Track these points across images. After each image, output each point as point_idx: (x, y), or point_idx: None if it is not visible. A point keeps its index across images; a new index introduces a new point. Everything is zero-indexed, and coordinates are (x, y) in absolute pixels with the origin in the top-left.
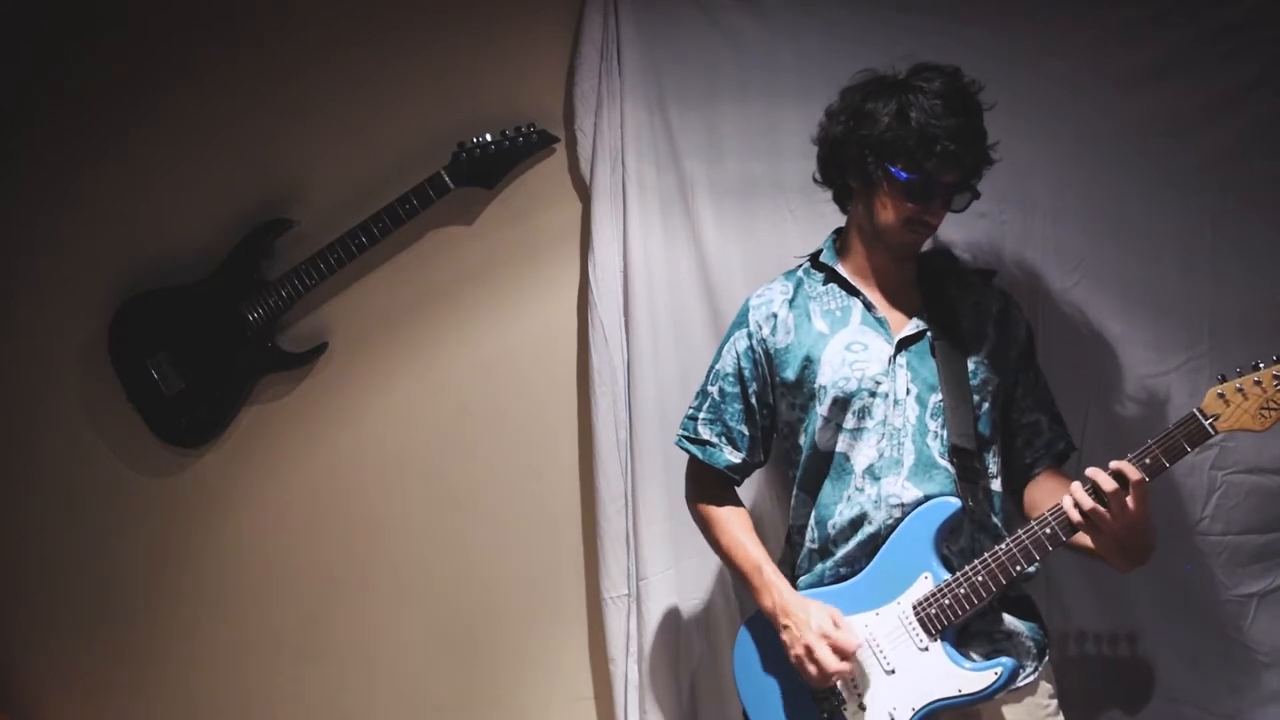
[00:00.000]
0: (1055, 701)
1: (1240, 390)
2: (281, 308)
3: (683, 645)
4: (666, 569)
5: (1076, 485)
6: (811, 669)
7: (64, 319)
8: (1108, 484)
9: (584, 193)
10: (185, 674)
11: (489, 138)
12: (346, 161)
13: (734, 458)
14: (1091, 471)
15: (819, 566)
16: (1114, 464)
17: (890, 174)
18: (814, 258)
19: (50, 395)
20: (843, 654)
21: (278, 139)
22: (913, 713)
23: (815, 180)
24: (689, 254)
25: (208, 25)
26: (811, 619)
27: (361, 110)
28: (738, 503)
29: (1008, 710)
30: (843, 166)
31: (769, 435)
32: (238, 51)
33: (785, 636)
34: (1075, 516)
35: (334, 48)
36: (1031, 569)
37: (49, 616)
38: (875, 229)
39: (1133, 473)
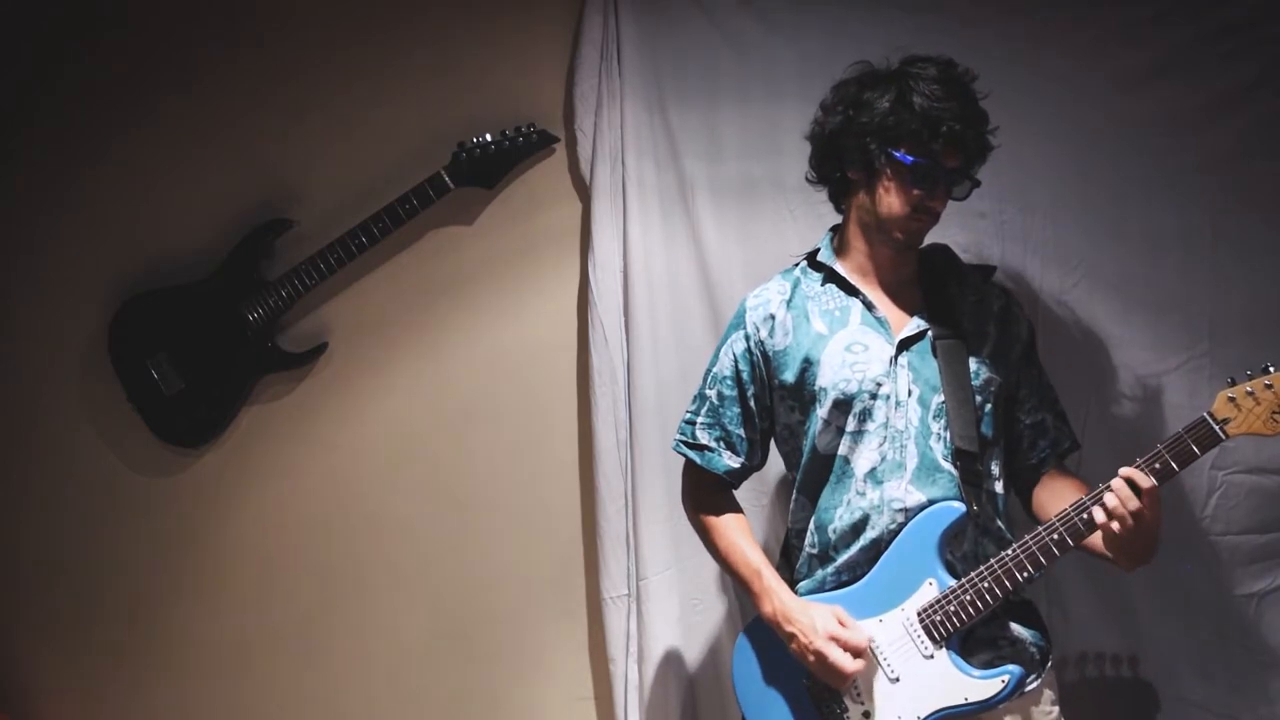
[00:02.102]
0: (1057, 709)
1: (1251, 394)
2: (281, 308)
3: (683, 645)
4: (666, 569)
5: (1107, 498)
6: (829, 675)
7: (64, 319)
8: (1125, 495)
9: (584, 193)
10: (185, 674)
11: (489, 138)
12: (346, 161)
13: (733, 463)
14: (1116, 485)
15: (819, 572)
16: (1124, 471)
17: (894, 159)
18: (811, 257)
19: (50, 395)
20: (856, 652)
21: (278, 139)
22: None
23: (809, 179)
24: (689, 254)
25: (208, 25)
26: (816, 622)
27: (362, 110)
28: (736, 507)
29: (1010, 718)
30: (841, 159)
31: (767, 439)
32: (238, 51)
33: (794, 646)
34: (1101, 518)
35: (334, 48)
36: (1036, 574)
37: (49, 616)
38: (878, 220)
39: (1144, 481)
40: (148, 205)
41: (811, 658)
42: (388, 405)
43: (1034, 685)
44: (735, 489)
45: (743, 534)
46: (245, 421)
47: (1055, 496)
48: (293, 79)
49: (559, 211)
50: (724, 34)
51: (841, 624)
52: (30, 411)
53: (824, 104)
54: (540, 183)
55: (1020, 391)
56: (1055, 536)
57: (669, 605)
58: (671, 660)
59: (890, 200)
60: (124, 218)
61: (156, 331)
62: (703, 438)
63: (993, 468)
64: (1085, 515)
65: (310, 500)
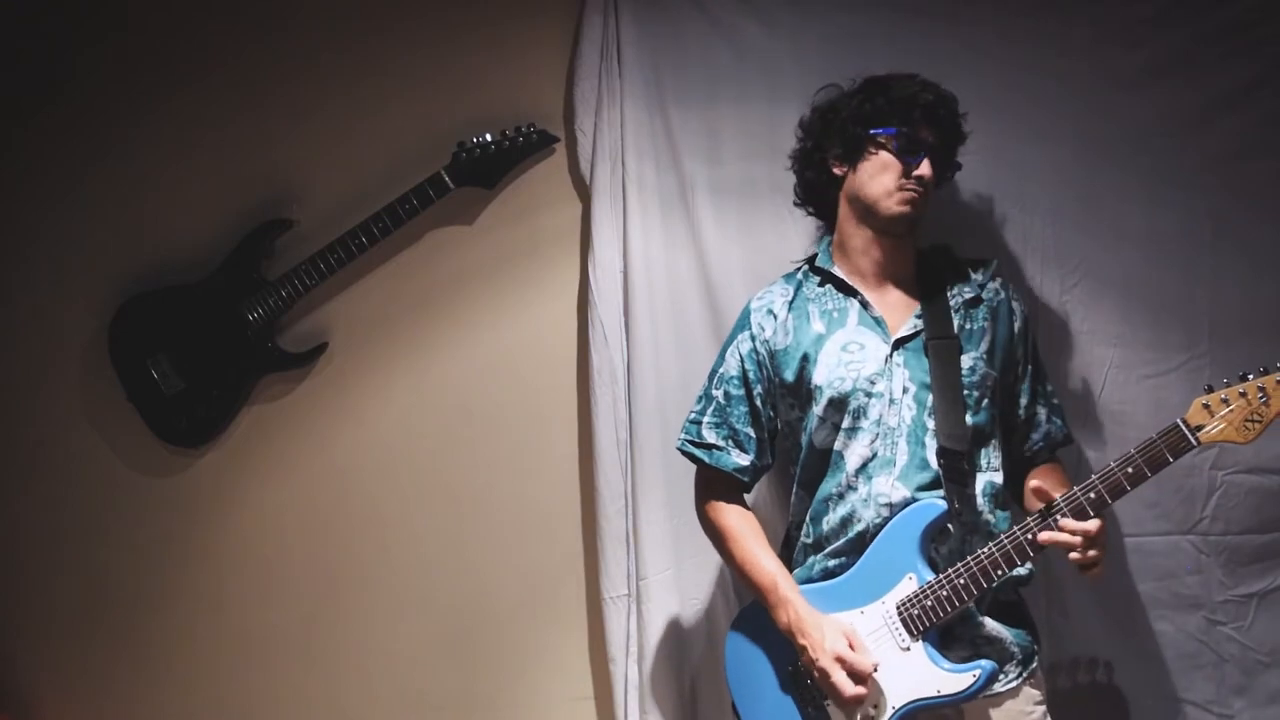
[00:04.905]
0: (1042, 708)
1: (1225, 401)
2: (281, 308)
3: (683, 645)
4: (666, 569)
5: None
6: (829, 693)
7: (64, 319)
8: (1077, 530)
9: (584, 193)
10: (185, 674)
11: (489, 138)
12: (346, 161)
13: (741, 460)
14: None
15: (810, 560)
16: (1065, 522)
17: (875, 137)
18: (811, 261)
19: (50, 395)
20: (859, 677)
21: (278, 139)
22: (892, 711)
23: (795, 202)
24: (689, 254)
25: (208, 25)
26: (826, 640)
27: (362, 110)
28: (747, 510)
29: (991, 713)
30: (825, 157)
31: (774, 438)
32: (238, 52)
33: (804, 657)
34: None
35: (334, 48)
36: (1023, 571)
37: (49, 616)
38: (868, 204)
39: (1092, 526)
40: (148, 205)
41: (817, 673)
42: (388, 405)
43: (1014, 683)
44: (747, 491)
45: (758, 541)
46: (245, 421)
47: (1036, 493)
48: (293, 79)
49: (559, 211)
50: (724, 34)
51: (851, 646)
52: (30, 411)
53: (802, 122)
54: (540, 183)
55: (1018, 385)
56: (1029, 536)
57: (669, 605)
58: (671, 660)
59: (878, 178)
60: (124, 218)
61: (156, 331)
62: (710, 436)
63: (984, 462)
64: (1030, 536)
65: (310, 500)
